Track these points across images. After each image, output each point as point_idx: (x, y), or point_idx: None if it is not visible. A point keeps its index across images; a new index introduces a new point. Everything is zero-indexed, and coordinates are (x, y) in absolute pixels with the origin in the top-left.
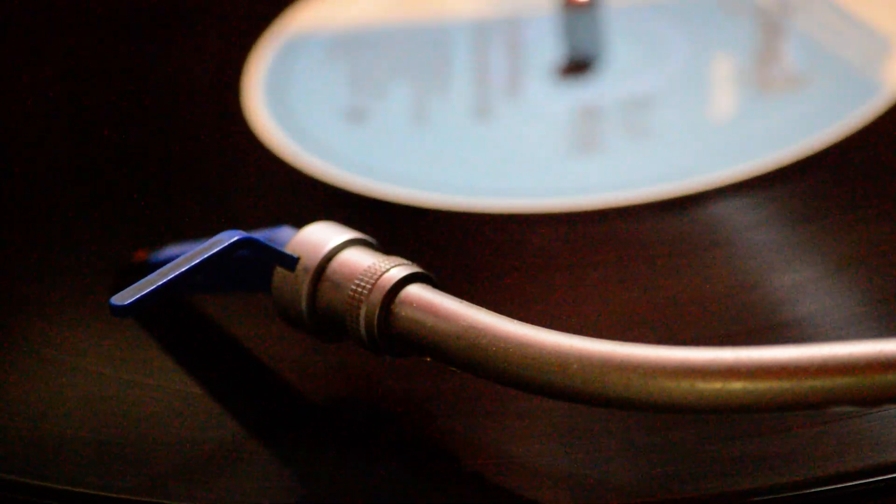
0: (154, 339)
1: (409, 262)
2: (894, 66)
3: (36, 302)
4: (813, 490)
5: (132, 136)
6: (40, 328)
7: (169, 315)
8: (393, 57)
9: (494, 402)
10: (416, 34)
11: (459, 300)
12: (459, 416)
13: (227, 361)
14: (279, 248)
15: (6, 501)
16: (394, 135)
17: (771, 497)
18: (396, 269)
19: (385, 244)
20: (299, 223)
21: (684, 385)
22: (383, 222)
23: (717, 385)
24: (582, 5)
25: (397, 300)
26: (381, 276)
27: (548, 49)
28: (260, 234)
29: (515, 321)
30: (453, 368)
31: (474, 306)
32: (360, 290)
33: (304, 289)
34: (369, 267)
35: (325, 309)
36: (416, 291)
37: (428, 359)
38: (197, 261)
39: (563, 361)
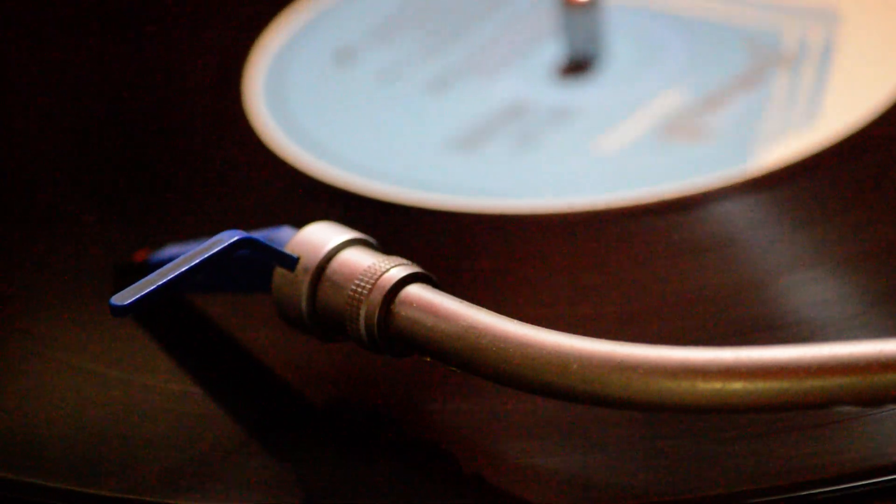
0: (154, 339)
1: (409, 262)
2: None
3: (36, 302)
4: (813, 491)
5: (132, 136)
6: (40, 328)
7: (169, 315)
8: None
9: (494, 402)
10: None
11: (459, 300)
12: (459, 417)
13: (227, 361)
14: (279, 248)
15: (5, 501)
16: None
17: (771, 497)
18: (396, 269)
19: (385, 244)
20: (299, 223)
21: (684, 385)
22: (383, 222)
23: (717, 385)
24: (582, 5)
25: (397, 300)
26: (381, 276)
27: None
28: (260, 234)
29: (515, 321)
30: (453, 368)
31: (474, 306)
32: (360, 290)
33: (304, 289)
34: (369, 267)
35: (325, 309)
36: (416, 291)
37: (428, 359)
38: (197, 261)
39: (563, 361)
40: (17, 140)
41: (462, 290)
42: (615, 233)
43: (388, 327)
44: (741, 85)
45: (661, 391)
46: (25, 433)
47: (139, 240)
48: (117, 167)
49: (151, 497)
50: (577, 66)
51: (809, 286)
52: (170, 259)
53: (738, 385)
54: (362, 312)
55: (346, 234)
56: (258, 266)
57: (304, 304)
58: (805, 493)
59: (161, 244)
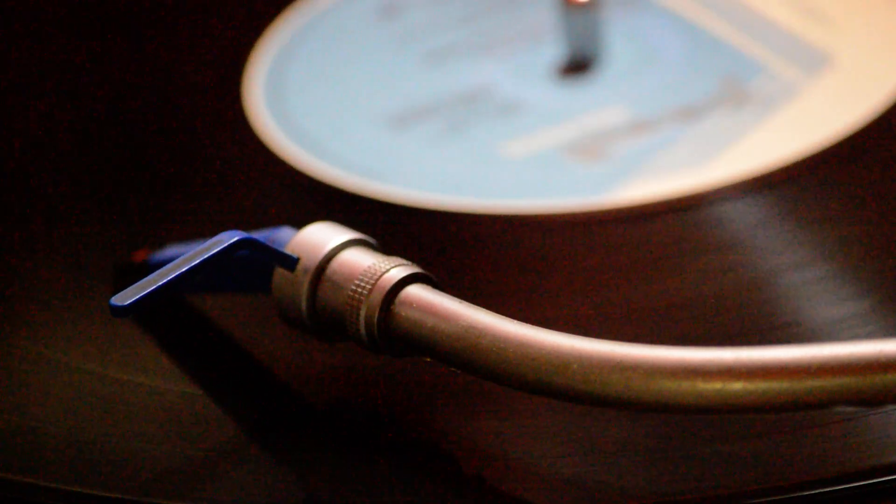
0: (154, 340)
1: (409, 263)
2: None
3: (36, 302)
4: (813, 491)
5: (132, 136)
6: (40, 328)
7: (169, 315)
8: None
9: (494, 402)
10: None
11: (459, 300)
12: (459, 416)
13: (227, 362)
14: (279, 249)
15: (6, 502)
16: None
17: (771, 497)
18: (396, 269)
19: (385, 244)
20: (299, 223)
21: (684, 385)
22: (383, 222)
23: (717, 385)
24: (582, 5)
25: (397, 300)
26: (381, 276)
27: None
28: (260, 235)
29: (515, 321)
30: (453, 369)
31: (474, 307)
32: (360, 290)
33: (304, 289)
34: (369, 267)
35: (325, 309)
36: (416, 292)
37: (428, 359)
38: (197, 261)
39: (563, 362)
40: (17, 140)
41: (462, 290)
42: (615, 233)
43: (388, 327)
44: (679, 116)
45: (661, 391)
46: (25, 433)
47: (139, 240)
48: (117, 167)
49: (151, 497)
50: (577, 66)
51: (809, 286)
52: (170, 259)
53: (738, 385)
54: (362, 313)
55: (346, 234)
56: (258, 266)
57: (304, 304)
58: (805, 493)
59: (161, 244)
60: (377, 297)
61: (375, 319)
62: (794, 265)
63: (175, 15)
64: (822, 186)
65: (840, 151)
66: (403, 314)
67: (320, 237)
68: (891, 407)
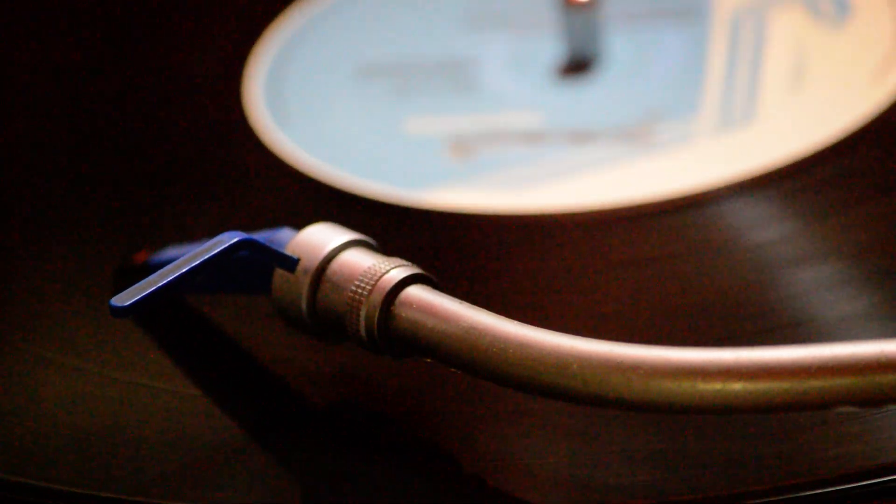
0: (154, 340)
1: (410, 264)
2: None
3: (36, 302)
4: (813, 491)
5: (132, 137)
6: (40, 328)
7: (169, 316)
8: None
9: (494, 403)
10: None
11: (460, 301)
12: (459, 417)
13: (227, 362)
14: (279, 250)
15: (6, 502)
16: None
17: (771, 498)
18: (396, 270)
19: (385, 245)
20: (299, 224)
21: (685, 385)
22: (383, 223)
23: (717, 385)
24: (582, 5)
25: (397, 301)
26: (381, 277)
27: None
28: (260, 236)
29: (516, 322)
30: (453, 369)
31: (474, 307)
32: (360, 291)
33: (305, 290)
34: (369, 268)
35: (325, 310)
36: (417, 292)
37: (428, 360)
38: (197, 262)
39: (563, 362)
40: (18, 140)
41: (462, 290)
42: (615, 233)
43: (389, 328)
44: (572, 137)
45: (662, 392)
46: (25, 434)
47: (139, 241)
48: (118, 167)
49: (151, 497)
50: (577, 65)
51: (810, 286)
52: (170, 260)
53: (738, 385)
54: (362, 313)
55: (346, 235)
56: (258, 267)
57: (304, 305)
58: (805, 493)
59: (161, 245)
60: (377, 297)
61: (375, 320)
62: (794, 265)
63: (175, 15)
64: (823, 186)
65: (840, 151)
66: (403, 315)
67: (320, 238)
68: (891, 407)
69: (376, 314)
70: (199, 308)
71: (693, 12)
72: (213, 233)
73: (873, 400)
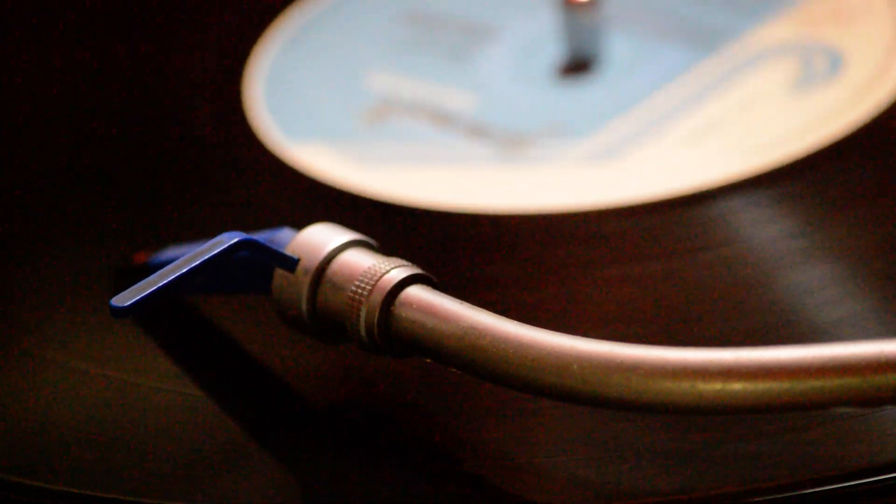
0: (154, 341)
1: (410, 264)
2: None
3: (36, 303)
4: (813, 490)
5: (132, 137)
6: (40, 329)
7: (169, 316)
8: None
9: (495, 403)
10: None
11: (460, 301)
12: (459, 417)
13: (227, 362)
14: (279, 250)
15: (6, 502)
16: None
17: (771, 497)
18: (396, 270)
19: (385, 245)
20: (299, 224)
21: (684, 386)
22: (383, 223)
23: (717, 386)
24: (582, 5)
25: (397, 301)
26: (381, 277)
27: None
28: (260, 236)
29: (516, 322)
30: (453, 370)
31: (474, 307)
32: (360, 291)
33: (305, 290)
34: (369, 268)
35: (325, 310)
36: (417, 293)
37: (428, 360)
38: (197, 262)
39: (563, 362)
40: (18, 140)
41: (462, 290)
42: (615, 233)
43: (389, 328)
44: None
45: (662, 392)
46: (25, 435)
47: (139, 241)
48: (118, 167)
49: (151, 497)
50: (577, 65)
51: (809, 286)
52: (170, 261)
53: (738, 386)
54: (362, 314)
55: (347, 235)
56: (258, 267)
57: (304, 305)
58: (805, 491)
59: (161, 246)
60: (377, 297)
61: (375, 320)
62: (794, 265)
63: (175, 14)
64: (823, 185)
65: (840, 150)
66: (404, 315)
67: (320, 238)
68: (891, 407)
69: (376, 314)
70: (199, 308)
71: (704, 40)
72: (213, 233)
73: (873, 400)
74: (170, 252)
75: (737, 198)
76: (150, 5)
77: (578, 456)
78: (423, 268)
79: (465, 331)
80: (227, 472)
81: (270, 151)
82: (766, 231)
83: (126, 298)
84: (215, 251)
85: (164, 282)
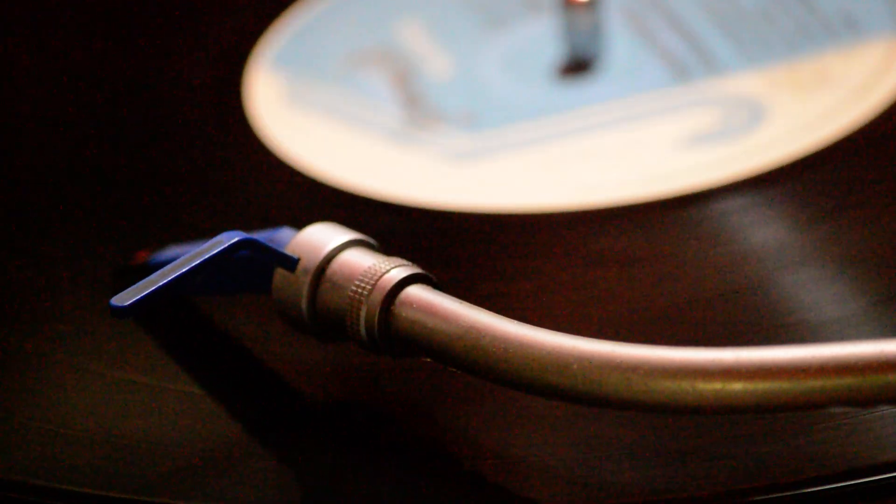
0: (154, 340)
1: (410, 263)
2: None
3: (36, 302)
4: (813, 490)
5: (132, 137)
6: (40, 328)
7: (169, 316)
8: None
9: (494, 403)
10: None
11: (460, 301)
12: (459, 417)
13: (227, 362)
14: (279, 249)
15: (6, 501)
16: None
17: (771, 497)
18: (397, 269)
19: (385, 244)
20: (299, 224)
21: (685, 385)
22: (383, 223)
23: (717, 385)
24: (582, 5)
25: (397, 301)
26: (381, 276)
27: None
28: (260, 235)
29: (516, 322)
30: (453, 369)
31: (475, 307)
32: (360, 290)
33: (305, 290)
34: (369, 268)
35: (325, 310)
36: (417, 292)
37: (428, 359)
38: (197, 262)
39: (563, 362)
40: (18, 140)
41: (462, 290)
42: (615, 232)
43: (389, 328)
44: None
45: (662, 392)
46: (25, 434)
47: (139, 240)
48: (117, 167)
49: (151, 497)
50: (577, 65)
51: (809, 286)
52: (170, 260)
53: (738, 385)
54: (362, 313)
55: (347, 234)
56: (258, 267)
57: (304, 304)
58: (805, 490)
59: (161, 245)
60: (377, 297)
61: (375, 320)
62: (793, 265)
63: (175, 14)
64: (823, 185)
65: (840, 150)
66: (404, 315)
67: (320, 238)
68: (891, 407)
69: (376, 314)
70: (199, 308)
71: (682, 66)
72: (213, 233)
73: (873, 400)
74: (170, 252)
75: (737, 198)
76: (150, 5)
77: (578, 455)
78: (423, 267)
79: (465, 330)
80: (227, 472)
81: (270, 151)
82: (766, 231)
83: (126, 298)
84: (215, 251)
85: (165, 281)
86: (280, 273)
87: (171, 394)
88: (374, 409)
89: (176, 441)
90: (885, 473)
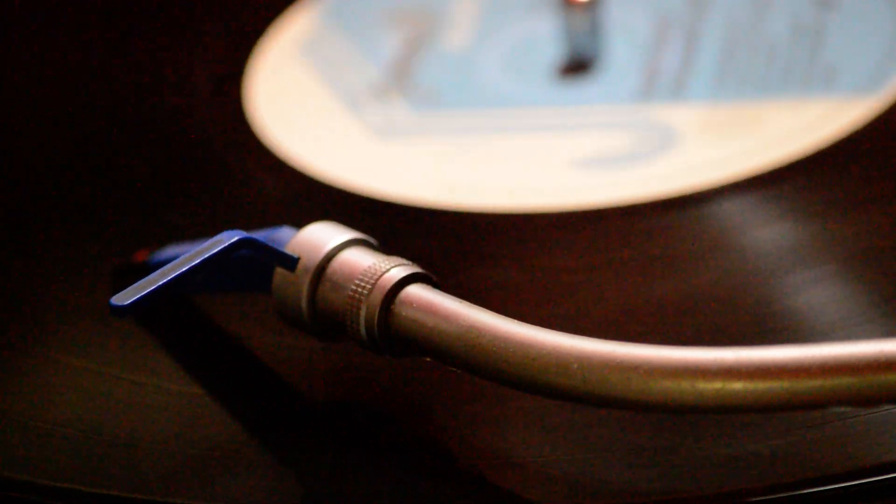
0: (154, 339)
1: (410, 263)
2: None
3: (36, 302)
4: (813, 490)
5: (132, 137)
6: (40, 328)
7: (169, 315)
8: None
9: (494, 402)
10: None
11: (460, 300)
12: (459, 416)
13: (227, 361)
14: (279, 249)
15: (6, 500)
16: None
17: (771, 497)
18: (396, 269)
19: (385, 244)
20: (299, 223)
21: (685, 385)
22: (383, 222)
23: (717, 385)
24: (582, 5)
25: (397, 300)
26: (381, 276)
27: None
28: (260, 235)
29: (515, 321)
30: (453, 369)
31: (474, 306)
32: (360, 290)
33: (305, 289)
34: (369, 267)
35: (325, 309)
36: (417, 292)
37: (428, 359)
38: (197, 261)
39: (563, 362)
40: (18, 140)
41: (462, 290)
42: (615, 232)
43: (389, 327)
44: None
45: (661, 391)
46: (25, 433)
47: (139, 240)
48: (117, 167)
49: (151, 497)
50: (577, 65)
51: (809, 286)
52: (170, 259)
53: (738, 385)
54: (362, 312)
55: (347, 234)
56: (258, 266)
57: (304, 304)
58: (805, 491)
59: (161, 244)
60: (377, 296)
61: (375, 319)
62: (793, 265)
63: (176, 15)
64: (823, 185)
65: (840, 151)
66: (403, 314)
67: (320, 237)
68: (891, 407)
69: (376, 313)
70: (199, 307)
71: (661, 86)
72: (213, 232)
73: (873, 400)
74: (170, 251)
75: (737, 198)
76: (151, 5)
77: (578, 455)
78: (423, 267)
79: (464, 330)
80: (227, 472)
81: (270, 151)
82: (765, 231)
83: (126, 297)
84: (215, 250)
85: (164, 280)
86: (280, 272)
87: (171, 393)
88: (374, 409)
89: (175, 440)
90: (885, 474)
